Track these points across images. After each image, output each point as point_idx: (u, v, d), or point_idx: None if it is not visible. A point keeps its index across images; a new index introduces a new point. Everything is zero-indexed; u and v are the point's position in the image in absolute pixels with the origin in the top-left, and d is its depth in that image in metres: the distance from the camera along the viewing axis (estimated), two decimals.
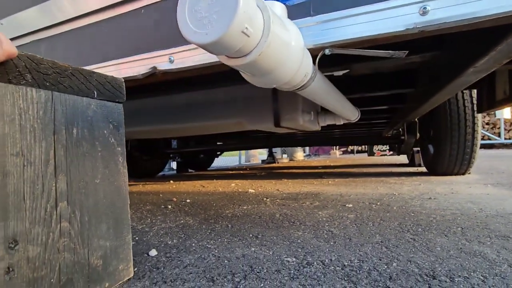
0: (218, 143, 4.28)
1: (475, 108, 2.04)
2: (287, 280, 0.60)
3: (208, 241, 0.89)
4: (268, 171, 3.99)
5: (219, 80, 1.36)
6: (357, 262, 0.67)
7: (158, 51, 0.77)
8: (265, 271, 0.65)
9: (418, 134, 2.27)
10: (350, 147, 10.35)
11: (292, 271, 0.64)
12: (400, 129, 2.89)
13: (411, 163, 3.54)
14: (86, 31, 0.88)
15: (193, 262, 0.73)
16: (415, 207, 1.22)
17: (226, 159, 9.00)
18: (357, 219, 1.06)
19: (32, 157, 0.49)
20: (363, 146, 9.86)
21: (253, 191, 1.96)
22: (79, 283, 0.53)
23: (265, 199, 1.61)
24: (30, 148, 0.49)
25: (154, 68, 0.77)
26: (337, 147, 10.08)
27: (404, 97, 2.12)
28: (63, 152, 0.53)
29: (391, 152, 7.29)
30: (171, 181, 3.09)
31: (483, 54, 0.72)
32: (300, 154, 8.73)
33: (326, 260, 0.69)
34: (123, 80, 0.68)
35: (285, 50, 0.43)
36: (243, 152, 9.31)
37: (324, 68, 1.15)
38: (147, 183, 3.01)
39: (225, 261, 0.72)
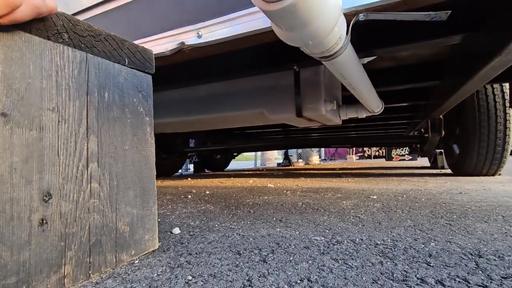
0: (234, 143, 4.29)
1: (507, 104, 1.93)
2: (318, 254, 0.57)
3: (231, 223, 0.88)
4: (284, 172, 3.95)
5: (241, 68, 1.36)
6: (391, 242, 0.63)
7: (186, 26, 0.77)
8: (293, 247, 0.63)
9: (443, 132, 2.17)
10: (367, 152, 10.12)
11: (322, 248, 0.61)
12: (423, 129, 2.79)
13: (433, 166, 3.41)
14: (116, 12, 0.90)
15: (217, 239, 0.71)
16: (445, 199, 1.15)
17: (242, 163, 9.01)
18: (383, 207, 1.02)
19: (66, 114, 0.49)
20: (380, 151, 9.61)
21: (272, 186, 1.93)
22: (107, 246, 0.53)
23: (285, 191, 1.58)
24: (65, 105, 0.49)
25: (182, 43, 0.77)
26: (353, 152, 9.88)
27: (427, 94, 2.04)
28: (95, 114, 0.54)
29: (410, 157, 7.06)
30: (189, 179, 3.11)
31: None
32: (315, 158, 8.62)
33: (357, 240, 0.66)
34: (153, 51, 0.69)
35: None
36: (258, 156, 9.30)
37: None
38: (165, 180, 3.04)
39: (250, 239, 0.70)
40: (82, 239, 0.49)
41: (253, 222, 0.87)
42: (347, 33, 0.60)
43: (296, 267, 0.51)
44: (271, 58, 1.30)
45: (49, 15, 0.46)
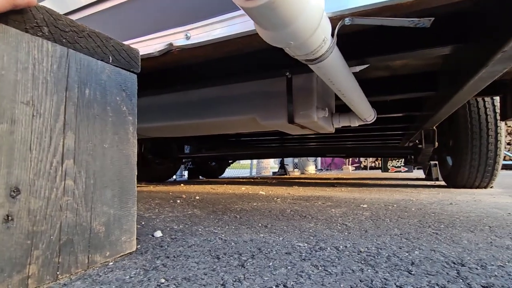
0: (229, 150, 4.28)
1: (498, 117, 1.95)
2: (298, 260, 0.56)
3: (215, 227, 0.86)
4: (279, 180, 3.93)
5: (234, 74, 1.36)
6: (375, 249, 0.62)
7: (175, 28, 0.77)
8: (274, 252, 0.61)
9: (436, 143, 2.18)
10: (363, 163, 10.14)
11: (303, 254, 0.60)
12: (417, 140, 2.80)
13: (428, 177, 3.41)
14: (107, 13, 0.90)
15: (198, 243, 0.70)
16: (435, 209, 1.15)
17: (237, 171, 8.97)
18: (372, 216, 1.00)
19: (42, 109, 0.48)
20: (377, 162, 9.63)
21: (264, 193, 1.91)
22: (79, 246, 0.51)
23: (275, 198, 1.56)
24: (41, 100, 0.48)
25: (170, 44, 0.77)
26: (350, 162, 9.89)
27: (421, 104, 2.06)
28: (73, 110, 0.53)
29: (406, 169, 7.07)
30: (182, 185, 3.08)
31: (508, 39, 0.68)
32: (311, 168, 8.61)
33: (341, 247, 0.64)
34: (139, 51, 0.68)
35: None
36: (254, 165, 9.27)
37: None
38: (158, 185, 3.00)
39: (232, 244, 0.68)
40: (51, 238, 0.47)
41: (237, 227, 0.86)
42: (332, 37, 0.60)
43: (274, 273, 0.50)
44: (263, 64, 1.30)
45: (27, 7, 0.46)
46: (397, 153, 3.81)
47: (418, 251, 0.60)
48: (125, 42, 0.85)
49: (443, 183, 2.74)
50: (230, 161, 5.62)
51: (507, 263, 0.52)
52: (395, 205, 1.26)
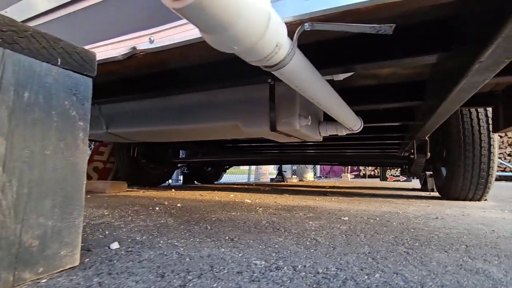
0: (225, 156, 4.24)
1: (490, 128, 1.90)
2: (246, 282, 0.52)
3: (179, 239, 0.82)
4: (273, 187, 3.88)
5: (216, 78, 1.33)
6: (334, 270, 0.58)
7: (139, 31, 0.74)
8: (225, 271, 0.57)
9: (428, 153, 2.14)
10: (362, 171, 10.06)
11: (255, 274, 0.56)
12: (412, 150, 2.75)
13: (424, 188, 3.35)
14: (71, 18, 0.87)
15: (152, 257, 0.65)
16: (418, 224, 1.10)
17: (236, 177, 8.92)
18: (348, 230, 0.96)
19: None
20: (376, 171, 9.55)
21: (250, 201, 1.87)
22: (2, 262, 0.47)
23: (258, 208, 1.52)
24: None
25: (134, 48, 0.74)
26: (349, 170, 9.82)
27: (413, 114, 2.02)
28: (7, 114, 0.49)
29: (404, 178, 7.00)
30: (173, 190, 3.04)
31: (487, 44, 0.64)
32: (310, 175, 8.55)
33: (299, 266, 0.60)
34: (96, 53, 0.65)
35: None
36: (252, 171, 9.21)
37: (323, 68, 1.09)
38: (148, 190, 2.97)
39: (186, 259, 0.64)
40: None
41: (202, 240, 0.82)
42: (293, 43, 0.56)
43: None
44: (246, 70, 1.27)
45: None
46: (391, 163, 3.77)
47: (380, 274, 0.56)
48: (90, 46, 0.83)
49: (437, 194, 2.68)
50: (226, 167, 5.57)
51: None
52: (377, 219, 1.22)
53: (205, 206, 1.56)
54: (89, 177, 3.54)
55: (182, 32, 0.69)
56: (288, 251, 0.71)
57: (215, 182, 5.50)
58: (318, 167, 10.08)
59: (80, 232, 0.60)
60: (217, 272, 0.56)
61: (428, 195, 2.77)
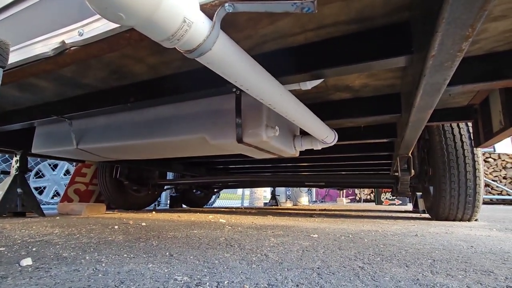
0: (214, 178, 4.14)
1: (473, 144, 1.85)
2: None
3: (109, 256, 0.72)
4: (262, 211, 3.74)
5: (182, 89, 1.28)
6: (263, 287, 0.48)
7: (69, 26, 0.70)
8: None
9: (413, 171, 2.06)
10: (358, 195, 9.88)
11: None
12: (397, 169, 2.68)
13: (415, 210, 3.23)
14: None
15: (59, 274, 0.56)
16: (392, 241, 1.00)
17: (230, 202, 8.71)
18: (310, 246, 0.86)
19: None
20: (371, 195, 9.38)
21: (224, 221, 1.75)
22: None
23: (227, 227, 1.41)
24: None
25: (63, 42, 0.69)
26: (344, 194, 9.65)
27: (395, 130, 1.98)
28: None
29: (400, 202, 6.84)
30: (154, 212, 2.91)
31: (433, 33, 0.60)
32: (304, 200, 8.36)
33: (225, 282, 0.51)
34: (9, 43, 0.60)
35: None
36: (247, 196, 9.00)
37: (286, 75, 1.05)
38: (128, 212, 2.83)
39: (99, 275, 0.55)
40: None
41: (136, 255, 0.71)
42: (213, 24, 0.51)
43: None
44: (212, 80, 1.23)
45: None
46: (381, 182, 3.67)
47: None
48: (23, 44, 0.78)
49: (428, 215, 2.57)
50: (216, 190, 5.43)
51: None
52: (350, 236, 1.12)
53: (171, 225, 1.45)
54: (69, 199, 3.40)
55: (107, 22, 0.65)
56: (225, 267, 0.61)
57: (205, 206, 5.33)
58: (313, 191, 9.91)
59: None
60: None
61: (418, 216, 2.65)
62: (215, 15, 0.50)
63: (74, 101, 1.53)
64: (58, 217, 1.98)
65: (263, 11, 0.50)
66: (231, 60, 0.59)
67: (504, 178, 7.64)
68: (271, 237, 1.05)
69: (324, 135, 1.35)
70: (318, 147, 1.55)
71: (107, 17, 0.40)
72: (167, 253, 0.75)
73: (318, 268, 0.60)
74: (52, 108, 1.61)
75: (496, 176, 7.50)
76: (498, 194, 7.05)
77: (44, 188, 4.60)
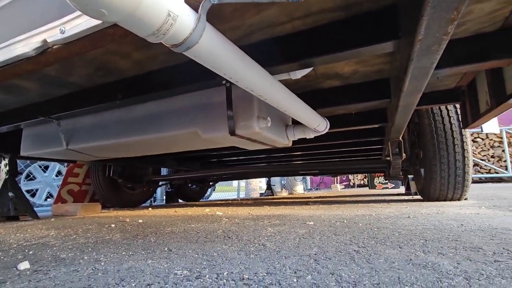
0: (208, 172, 4.13)
1: (462, 125, 1.89)
2: None
3: (108, 254, 0.72)
4: (258, 201, 3.77)
5: (173, 84, 1.26)
6: (262, 275, 0.49)
7: (51, 23, 0.67)
8: (133, 284, 0.48)
9: (404, 154, 2.09)
10: (352, 181, 10.03)
11: (167, 285, 0.47)
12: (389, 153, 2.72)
13: (408, 192, 3.31)
14: None
15: (58, 275, 0.56)
16: (385, 224, 1.02)
17: (226, 194, 8.74)
18: (306, 234, 0.87)
19: None
20: (365, 180, 9.54)
21: (221, 213, 1.77)
22: None
23: (224, 219, 1.42)
24: None
25: (45, 41, 0.67)
26: (338, 181, 9.79)
27: (386, 115, 2.00)
28: None
29: (392, 185, 6.99)
30: (150, 209, 2.91)
31: (419, 18, 0.60)
32: (299, 188, 8.45)
33: (224, 273, 0.52)
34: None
35: None
36: (243, 187, 9.04)
37: (276, 65, 1.05)
38: (124, 210, 2.82)
39: (98, 274, 0.55)
40: None
41: (135, 253, 0.72)
42: (198, 17, 0.50)
43: None
44: (201, 73, 1.22)
45: None
46: (373, 167, 3.73)
47: (313, 276, 0.48)
48: (3, 44, 0.75)
49: (420, 197, 2.64)
50: (211, 183, 5.44)
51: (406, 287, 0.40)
52: (345, 221, 1.14)
53: (169, 221, 1.45)
54: (63, 201, 3.36)
55: (89, 19, 0.63)
56: (224, 259, 0.62)
57: (201, 200, 5.34)
58: (308, 179, 10.02)
59: None
60: (122, 286, 0.47)
61: (411, 198, 2.71)
62: (200, 7, 0.50)
63: (60, 101, 1.50)
64: (53, 219, 1.97)
65: (250, 1, 0.49)
66: (219, 53, 0.58)
67: (492, 157, 7.85)
68: (268, 227, 1.06)
69: (316, 124, 1.35)
70: (311, 135, 1.55)
71: (89, 13, 0.39)
72: (166, 249, 0.75)
73: (315, 254, 0.62)
74: (38, 108, 1.58)
75: (484, 156, 7.70)
76: (486, 172, 7.26)
77: (37, 190, 4.53)
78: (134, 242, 0.87)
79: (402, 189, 5.61)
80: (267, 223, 1.19)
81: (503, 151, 7.11)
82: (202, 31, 0.51)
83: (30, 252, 0.79)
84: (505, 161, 7.51)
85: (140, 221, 1.49)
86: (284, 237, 0.83)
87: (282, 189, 8.05)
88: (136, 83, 1.30)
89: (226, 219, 1.40)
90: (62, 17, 0.66)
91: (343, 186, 9.73)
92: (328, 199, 3.41)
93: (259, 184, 9.32)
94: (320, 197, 4.15)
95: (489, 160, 7.69)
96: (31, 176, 4.49)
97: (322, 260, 0.57)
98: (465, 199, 2.09)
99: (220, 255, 0.66)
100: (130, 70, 1.20)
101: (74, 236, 1.07)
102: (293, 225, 1.07)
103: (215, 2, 0.50)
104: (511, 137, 7.39)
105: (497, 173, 7.41)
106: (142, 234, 1.01)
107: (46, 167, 4.64)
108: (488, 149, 7.90)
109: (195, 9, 0.50)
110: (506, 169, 7.37)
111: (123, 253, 0.73)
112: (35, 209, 2.23)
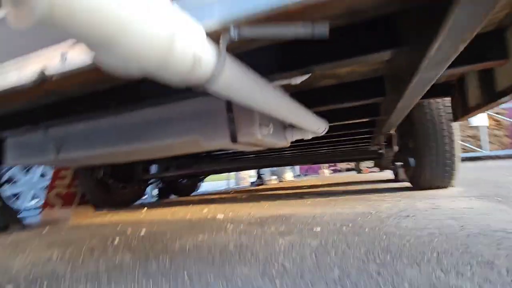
0: (199, 167, 4.09)
1: (450, 117, 1.96)
2: None
3: (128, 285, 0.71)
4: (251, 194, 3.80)
5: (171, 91, 1.22)
6: None
7: (50, 46, 0.62)
8: None
9: (396, 147, 2.16)
10: (340, 166, 10.26)
11: None
12: (383, 144, 2.79)
13: (396, 179, 3.43)
14: None
15: None
16: (390, 227, 1.06)
17: (215, 184, 8.74)
18: (319, 246, 0.90)
19: None
20: (352, 165, 9.79)
21: (222, 217, 1.77)
22: None
23: (228, 225, 1.43)
24: None
25: (42, 73, 0.62)
26: (326, 166, 9.98)
27: (378, 110, 2.03)
28: None
29: (378, 169, 7.21)
30: (145, 208, 2.88)
31: (433, 38, 0.61)
32: (289, 175, 8.57)
33: None
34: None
35: None
36: (232, 176, 9.07)
37: (279, 73, 1.03)
38: (118, 212, 2.77)
39: None
40: None
41: (155, 283, 0.71)
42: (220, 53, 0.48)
43: None
44: None
45: None
46: (364, 157, 3.83)
47: None
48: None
49: (409, 184, 2.74)
50: (201, 177, 5.42)
51: None
52: (350, 225, 1.17)
53: (172, 230, 1.44)
54: (52, 205, 3.26)
55: None
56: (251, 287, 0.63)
57: (192, 194, 5.33)
58: (297, 166, 10.15)
59: None
60: None
61: (400, 186, 2.82)
62: (220, 44, 0.47)
63: (49, 109, 1.42)
64: (47, 229, 1.91)
65: (271, 37, 0.47)
66: (238, 87, 0.56)
67: (470, 136, 8.22)
68: (277, 236, 1.08)
69: (316, 128, 1.36)
70: (309, 136, 1.57)
71: (128, 72, 0.36)
72: (186, 275, 0.75)
73: (339, 278, 0.64)
74: (24, 118, 1.49)
75: (463, 136, 8.07)
76: (464, 152, 7.64)
77: (20, 194, 4.37)
78: (148, 266, 0.87)
79: (387, 174, 5.81)
80: (274, 230, 1.21)
81: (478, 130, 7.47)
82: (224, 65, 0.48)
83: (45, 284, 0.77)
84: (479, 140, 7.91)
85: (143, 231, 1.47)
86: (300, 253, 0.85)
87: (271, 177, 8.14)
88: (131, 90, 1.24)
89: (230, 225, 1.41)
90: (64, 40, 0.61)
91: (331, 171, 9.95)
92: (320, 189, 3.48)
93: (248, 173, 9.37)
94: (311, 186, 4.23)
95: (468, 141, 8.05)
96: (14, 179, 4.31)
97: (350, 286, 0.58)
98: (452, 186, 2.19)
99: (244, 282, 0.66)
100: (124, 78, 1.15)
101: (81, 258, 1.04)
102: (301, 233, 1.10)
103: (236, 38, 0.47)
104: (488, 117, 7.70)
105: (473, 151, 7.81)
106: (153, 255, 1.00)
107: (29, 169, 4.46)
108: (464, 130, 8.25)
109: (215, 42, 0.47)
110: (481, 148, 7.78)
111: (143, 281, 0.72)
112: (22, 213, 2.15)
